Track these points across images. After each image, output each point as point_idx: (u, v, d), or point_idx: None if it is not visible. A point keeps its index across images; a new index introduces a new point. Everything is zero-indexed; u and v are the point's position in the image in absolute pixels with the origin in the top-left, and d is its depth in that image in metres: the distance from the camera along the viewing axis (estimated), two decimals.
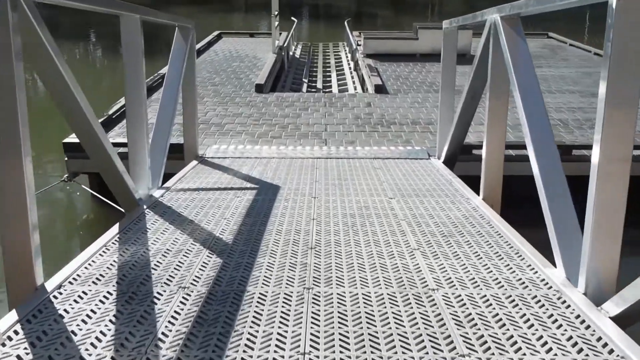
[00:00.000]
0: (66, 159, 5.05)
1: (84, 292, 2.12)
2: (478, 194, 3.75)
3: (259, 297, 2.16)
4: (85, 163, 4.82)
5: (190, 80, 4.71)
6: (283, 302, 2.13)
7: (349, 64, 12.79)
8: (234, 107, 7.40)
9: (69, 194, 5.68)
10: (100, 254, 2.50)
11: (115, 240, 2.67)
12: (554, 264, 2.57)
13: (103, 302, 2.04)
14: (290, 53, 13.81)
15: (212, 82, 8.88)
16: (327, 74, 12.26)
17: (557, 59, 11.10)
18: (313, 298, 2.17)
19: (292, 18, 16.18)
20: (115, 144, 5.26)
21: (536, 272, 2.51)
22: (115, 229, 2.82)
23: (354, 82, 11.04)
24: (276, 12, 10.95)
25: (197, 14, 27.67)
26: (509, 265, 2.58)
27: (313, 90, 10.44)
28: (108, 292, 2.12)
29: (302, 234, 2.91)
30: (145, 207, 3.25)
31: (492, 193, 3.71)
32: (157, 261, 2.45)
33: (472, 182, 4.00)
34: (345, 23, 15.42)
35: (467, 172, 4.58)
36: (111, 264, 2.40)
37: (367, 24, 23.46)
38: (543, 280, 2.42)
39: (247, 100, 7.73)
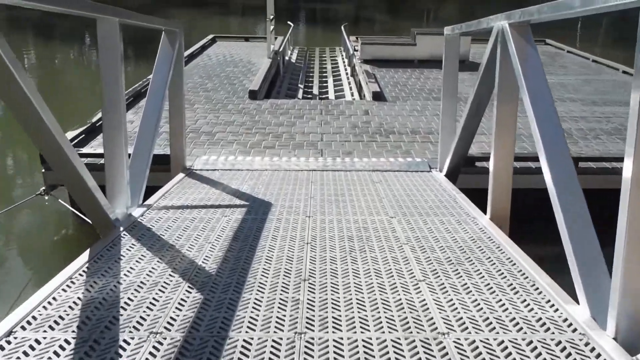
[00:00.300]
0: (43, 170, 4.73)
1: (37, 340, 1.82)
2: (483, 210, 3.48)
3: (242, 346, 1.86)
4: None
5: (178, 86, 4.42)
6: (271, 351, 1.84)
7: (345, 70, 12.53)
8: (226, 114, 7.11)
9: (44, 208, 5.35)
10: (63, 289, 2.20)
11: (83, 271, 2.37)
12: (575, 299, 2.28)
13: (58, 354, 1.74)
14: (287, 58, 13.54)
15: (204, 87, 8.59)
16: (324, 79, 11.99)
17: (556, 66, 10.87)
18: (306, 346, 1.87)
19: (289, 22, 15.93)
20: (89, 155, 5.00)
21: (557, 309, 2.23)
22: (84, 256, 2.52)
23: (351, 89, 10.78)
24: (271, 16, 10.69)
25: (194, 16, 27.50)
26: (526, 301, 2.29)
27: (309, 96, 10.17)
28: (66, 340, 1.82)
29: (295, 262, 2.62)
30: (122, 229, 2.95)
31: (500, 211, 3.44)
32: (129, 298, 2.16)
33: (476, 196, 3.73)
34: (342, 28, 15.17)
35: (470, 185, 4.31)
36: (75, 302, 2.10)
37: (364, 28, 23.27)
38: (566, 320, 2.14)
39: (240, 108, 7.45)
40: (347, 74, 12.14)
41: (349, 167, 4.71)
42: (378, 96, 8.04)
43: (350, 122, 6.84)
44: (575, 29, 23.60)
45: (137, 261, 2.53)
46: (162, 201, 3.59)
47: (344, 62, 13.51)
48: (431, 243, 2.93)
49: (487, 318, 2.13)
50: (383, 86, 8.78)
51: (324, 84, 11.43)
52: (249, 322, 2.03)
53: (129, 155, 3.50)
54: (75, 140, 5.51)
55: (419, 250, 2.83)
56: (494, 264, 2.67)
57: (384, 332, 1.99)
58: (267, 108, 7.47)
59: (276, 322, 2.03)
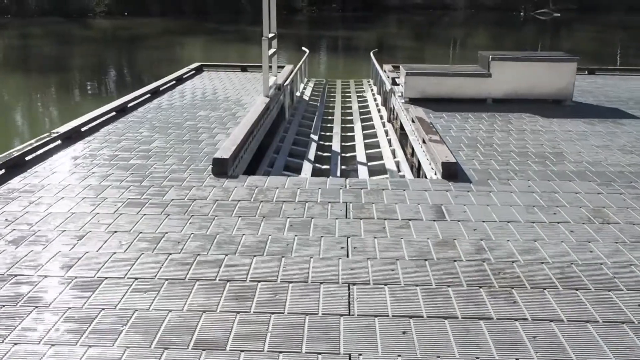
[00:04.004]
0: None
1: None
2: None
3: None
4: None
5: None
6: None
7: (379, 111, 8.87)
8: (150, 220, 3.47)
9: None
10: None
11: None
12: None
13: None
14: (297, 94, 9.96)
15: (147, 149, 4.99)
16: (348, 128, 8.35)
17: None
18: None
19: (303, 48, 12.43)
20: None
21: None
22: None
23: (390, 144, 7.07)
24: (271, 35, 7.15)
25: (210, 43, 24.37)
26: None
27: (325, 166, 6.48)
28: None
29: None
30: None
31: None
32: None
33: None
34: (372, 54, 11.60)
35: None
36: None
37: (389, 56, 19.71)
38: None
39: (187, 199, 3.79)
40: (381, 117, 8.47)
41: None
42: (453, 171, 4.30)
43: (410, 246, 3.13)
44: None
45: None
46: None
47: (374, 99, 9.87)
48: None
49: None
50: (453, 148, 5.06)
51: (349, 137, 7.77)
52: None
53: None
54: None
55: None
56: None
57: None
58: (242, 198, 3.81)
59: None
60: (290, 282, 2.74)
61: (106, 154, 4.84)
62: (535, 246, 3.16)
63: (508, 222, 3.49)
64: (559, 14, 38.74)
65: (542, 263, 2.97)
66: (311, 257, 2.99)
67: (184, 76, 9.08)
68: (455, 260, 2.98)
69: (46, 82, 15.55)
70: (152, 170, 4.41)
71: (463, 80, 7.12)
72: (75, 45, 24.03)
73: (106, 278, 2.78)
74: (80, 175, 4.27)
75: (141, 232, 3.29)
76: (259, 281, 2.75)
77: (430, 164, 4.77)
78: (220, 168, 4.31)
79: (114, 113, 6.32)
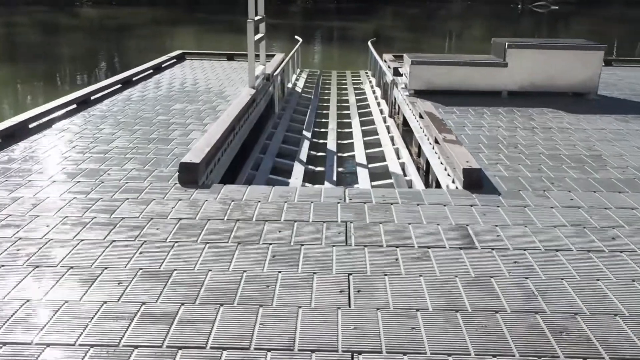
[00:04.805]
0: None
1: None
2: None
3: None
4: None
5: None
6: None
7: (378, 105, 8.04)
8: (89, 246, 2.64)
9: None
10: None
11: None
12: None
13: None
14: (289, 85, 9.12)
15: (103, 150, 4.14)
16: (345, 121, 7.52)
17: None
18: None
19: (296, 37, 11.57)
20: None
21: None
22: None
23: (393, 142, 6.25)
24: (257, 17, 6.30)
25: (203, 33, 23.37)
26: None
27: (319, 168, 5.68)
28: None
29: None
30: None
31: None
32: None
33: None
34: (369, 43, 10.76)
35: None
36: None
37: (386, 47, 18.83)
38: None
39: (143, 217, 2.95)
40: (381, 111, 7.65)
41: None
42: (476, 179, 3.48)
43: (434, 288, 2.31)
44: None
45: None
46: None
47: (374, 91, 9.04)
48: None
49: None
50: (471, 149, 4.24)
51: (346, 134, 6.94)
52: None
53: None
54: None
55: None
56: None
57: None
58: (213, 215, 2.98)
59: None
60: (269, 351, 1.93)
61: (52, 156, 3.98)
62: (600, 288, 2.36)
63: (556, 250, 2.68)
64: (557, 7, 37.95)
65: (616, 315, 2.16)
66: (299, 307, 2.18)
67: (163, 65, 8.21)
68: (497, 312, 2.17)
69: (18, 72, 14.61)
70: (104, 177, 3.57)
71: (475, 70, 6.30)
72: (60, 35, 23.02)
73: (4, 344, 1.95)
74: (12, 186, 3.42)
75: (72, 267, 2.45)
76: (224, 349, 1.93)
77: (445, 169, 3.95)
78: (189, 175, 3.47)
79: (74, 106, 5.47)
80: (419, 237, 2.79)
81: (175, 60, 8.81)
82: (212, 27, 24.95)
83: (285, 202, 3.21)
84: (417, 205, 3.18)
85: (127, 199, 3.22)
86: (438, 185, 4.25)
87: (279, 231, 2.82)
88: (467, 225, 2.93)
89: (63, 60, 16.53)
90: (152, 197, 3.26)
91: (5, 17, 28.27)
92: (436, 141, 4.39)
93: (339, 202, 3.21)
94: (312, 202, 3.20)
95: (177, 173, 3.50)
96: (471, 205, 3.19)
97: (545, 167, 3.91)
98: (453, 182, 3.71)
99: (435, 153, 4.32)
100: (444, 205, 3.18)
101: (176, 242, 2.70)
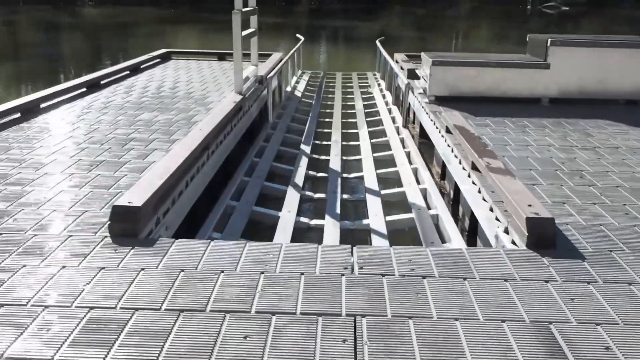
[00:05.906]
0: None
1: None
2: None
3: None
4: None
5: None
6: None
7: (389, 112, 6.93)
8: None
9: None
10: None
11: None
12: None
13: None
14: (288, 89, 8.03)
15: (21, 181, 3.06)
16: (351, 132, 6.40)
17: None
18: None
19: (298, 35, 10.48)
20: None
21: None
22: None
23: (410, 160, 5.12)
24: (246, 8, 5.21)
25: (205, 31, 22.33)
26: None
27: (317, 194, 4.59)
28: None
29: None
30: None
31: None
32: None
33: None
34: (378, 43, 9.66)
35: None
36: None
37: (393, 48, 17.71)
38: None
39: (36, 302, 1.86)
40: (393, 120, 6.53)
41: None
42: (548, 236, 2.37)
43: None
44: None
45: None
46: None
47: (384, 96, 7.93)
48: None
49: None
50: (521, 177, 3.13)
51: (353, 149, 5.81)
52: None
53: None
54: None
55: None
56: None
57: None
58: (143, 304, 1.87)
59: None
60: None
61: None
62: None
63: None
64: (567, 8, 36.77)
65: None
66: None
67: (142, 65, 7.14)
68: None
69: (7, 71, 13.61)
70: (6, 225, 2.49)
71: (510, 72, 5.19)
72: (59, 34, 22.06)
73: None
74: None
75: None
76: None
77: (491, 210, 2.85)
78: (125, 224, 2.38)
79: (17, 114, 4.40)
80: (475, 351, 1.69)
81: (159, 60, 7.75)
82: (217, 26, 23.92)
83: (263, 273, 2.11)
84: (464, 281, 2.08)
85: (24, 266, 2.13)
86: (474, 221, 3.16)
87: (245, 337, 1.73)
88: (550, 322, 1.82)
89: (55, 60, 15.53)
90: (68, 260, 2.17)
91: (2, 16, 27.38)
92: (474, 167, 3.29)
93: (343, 275, 2.12)
94: (302, 275, 2.10)
95: (109, 220, 2.42)
96: (546, 281, 2.08)
97: (631, 208, 2.80)
98: (506, 231, 2.61)
99: (474, 184, 3.22)
100: (505, 281, 2.08)
101: (72, 358, 1.61)
